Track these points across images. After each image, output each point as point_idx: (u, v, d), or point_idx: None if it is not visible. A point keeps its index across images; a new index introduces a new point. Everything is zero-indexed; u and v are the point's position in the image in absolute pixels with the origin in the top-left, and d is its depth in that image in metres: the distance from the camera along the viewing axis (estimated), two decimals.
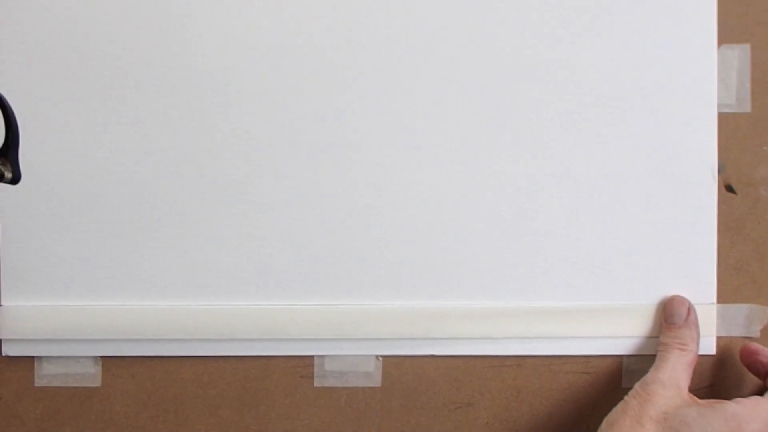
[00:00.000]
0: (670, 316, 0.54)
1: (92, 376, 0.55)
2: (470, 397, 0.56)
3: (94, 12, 0.54)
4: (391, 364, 0.56)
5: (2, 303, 0.55)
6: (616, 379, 0.56)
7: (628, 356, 0.56)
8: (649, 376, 0.51)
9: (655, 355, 0.55)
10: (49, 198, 0.55)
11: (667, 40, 0.55)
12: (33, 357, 0.55)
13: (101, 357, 0.55)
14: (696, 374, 0.56)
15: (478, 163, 0.55)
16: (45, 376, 0.55)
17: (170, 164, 0.55)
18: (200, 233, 0.55)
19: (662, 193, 0.56)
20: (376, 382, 0.56)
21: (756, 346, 0.55)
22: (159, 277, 0.55)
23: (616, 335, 0.56)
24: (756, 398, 0.50)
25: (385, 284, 0.55)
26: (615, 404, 0.55)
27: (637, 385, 0.51)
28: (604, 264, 0.56)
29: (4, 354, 0.55)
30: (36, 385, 0.55)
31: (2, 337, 0.55)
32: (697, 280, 0.56)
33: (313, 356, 0.56)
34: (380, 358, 0.56)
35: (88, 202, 0.55)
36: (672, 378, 0.51)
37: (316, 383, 0.56)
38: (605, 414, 0.55)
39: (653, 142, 0.55)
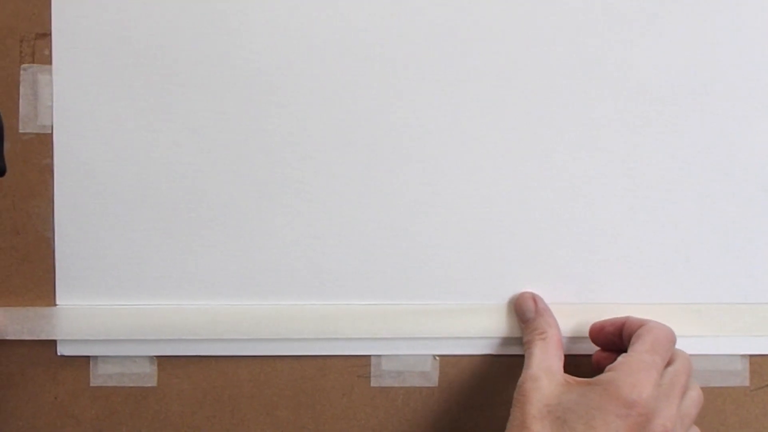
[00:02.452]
0: (522, 313, 0.54)
1: (148, 376, 0.55)
2: None
3: (149, 11, 0.54)
4: (448, 363, 0.55)
5: (57, 303, 0.55)
6: None
7: None
8: (520, 378, 0.50)
9: (714, 355, 0.55)
10: (104, 197, 0.54)
11: (729, 39, 0.55)
12: (88, 357, 0.55)
13: (157, 357, 0.55)
14: (756, 375, 0.55)
15: (534, 162, 0.55)
16: (100, 375, 0.55)
17: (225, 163, 0.54)
18: (256, 232, 0.55)
19: (724, 193, 0.55)
20: (433, 381, 0.56)
21: (598, 323, 0.54)
22: (215, 276, 0.55)
23: (675, 334, 0.55)
24: (622, 357, 0.49)
25: (441, 283, 0.55)
26: None
27: (514, 394, 0.50)
28: (662, 263, 0.55)
29: (59, 354, 0.55)
30: (92, 384, 0.55)
31: (58, 338, 0.55)
32: (759, 280, 0.55)
33: (369, 356, 0.55)
34: (437, 358, 0.55)
35: (144, 201, 0.55)
36: (541, 369, 0.50)
37: (373, 383, 0.55)
38: None
39: (715, 141, 0.55)
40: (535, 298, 0.54)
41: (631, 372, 0.47)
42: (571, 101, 0.55)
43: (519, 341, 0.55)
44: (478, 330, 0.55)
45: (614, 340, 0.53)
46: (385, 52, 0.54)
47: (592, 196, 0.55)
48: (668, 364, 0.50)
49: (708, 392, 0.56)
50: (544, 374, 0.49)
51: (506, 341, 0.55)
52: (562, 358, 0.52)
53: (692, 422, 0.49)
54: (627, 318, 0.53)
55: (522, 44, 0.54)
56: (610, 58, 0.55)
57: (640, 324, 0.51)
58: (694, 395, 0.50)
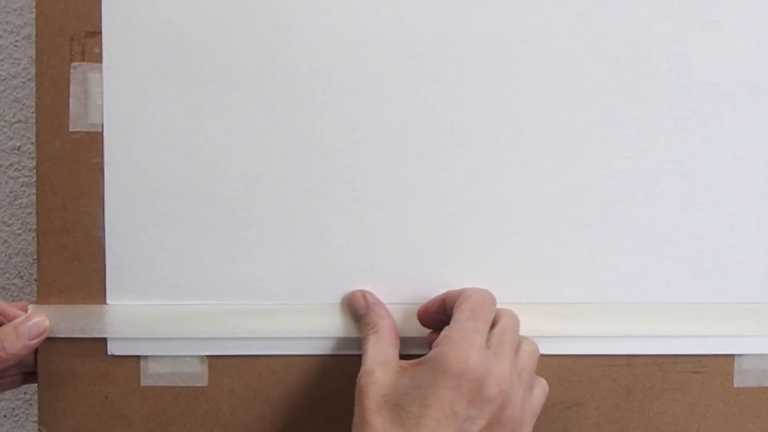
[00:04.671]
0: (355, 311, 0.54)
1: (199, 376, 0.55)
2: (580, 397, 0.55)
3: (200, 9, 0.53)
4: None
5: (108, 302, 0.55)
6: (728, 378, 0.55)
7: (740, 355, 0.55)
8: (358, 375, 0.49)
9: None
10: (154, 197, 0.54)
11: None
12: (139, 356, 0.55)
13: (208, 356, 0.55)
14: None
15: (589, 160, 0.54)
16: (151, 375, 0.55)
17: (277, 162, 0.54)
18: (307, 232, 0.54)
19: None
20: None
21: (422, 306, 0.54)
22: (266, 275, 0.55)
23: (729, 334, 0.55)
24: (445, 330, 0.49)
25: (493, 282, 0.55)
26: (727, 404, 0.55)
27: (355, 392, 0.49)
28: (717, 262, 0.55)
29: (110, 353, 0.55)
30: (142, 384, 0.55)
31: (108, 336, 0.54)
32: None
33: (421, 355, 0.55)
34: None
35: (194, 200, 0.54)
36: (376, 361, 0.49)
37: None
38: (717, 414, 0.55)
39: (766, 139, 0.55)
40: (364, 294, 0.54)
41: (454, 342, 0.47)
42: (625, 100, 0.54)
43: (571, 340, 0.55)
44: (530, 329, 0.54)
45: (441, 318, 0.53)
46: (438, 51, 0.54)
47: (647, 195, 0.55)
48: (493, 325, 0.50)
49: (762, 392, 0.55)
50: (379, 366, 0.49)
51: (556, 341, 0.55)
52: (398, 345, 0.51)
53: (533, 374, 0.50)
54: (446, 293, 0.53)
55: (577, 43, 0.54)
56: (666, 58, 0.54)
57: (459, 294, 0.51)
58: (528, 348, 0.50)
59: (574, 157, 0.54)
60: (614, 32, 0.54)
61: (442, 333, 0.49)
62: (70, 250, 0.54)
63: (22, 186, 0.62)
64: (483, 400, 0.46)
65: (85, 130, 0.54)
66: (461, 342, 0.47)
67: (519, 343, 0.50)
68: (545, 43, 0.54)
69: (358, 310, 0.54)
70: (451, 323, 0.49)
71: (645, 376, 0.55)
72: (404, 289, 0.55)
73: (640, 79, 0.54)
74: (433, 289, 0.54)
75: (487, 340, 0.48)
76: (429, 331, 0.54)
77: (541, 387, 0.50)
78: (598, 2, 0.54)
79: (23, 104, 0.61)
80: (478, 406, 0.46)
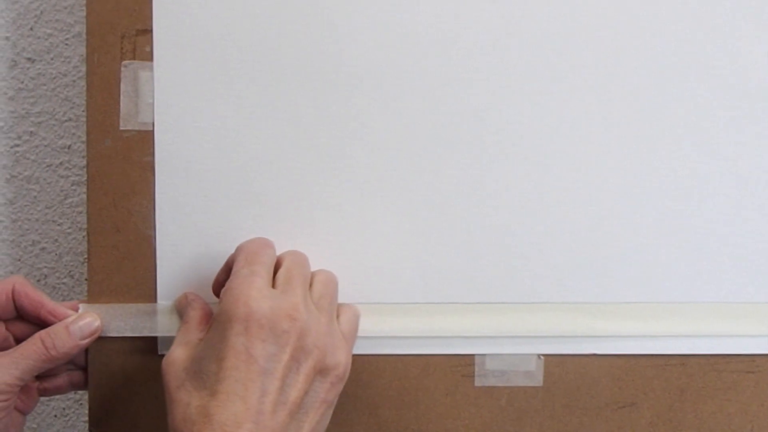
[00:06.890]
0: (179, 311, 0.54)
1: None
2: (633, 397, 0.55)
3: (250, 8, 0.53)
4: (553, 363, 0.55)
5: (158, 301, 0.54)
6: None
7: None
8: None
9: None
10: (205, 195, 0.54)
11: None
12: None
13: None
14: None
15: (640, 159, 0.54)
16: None
17: (326, 161, 0.54)
18: (359, 231, 0.54)
19: None
20: (538, 381, 0.55)
21: (215, 278, 0.53)
22: None
23: None
24: (225, 285, 0.49)
25: (546, 282, 0.54)
26: None
27: None
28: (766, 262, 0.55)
29: (160, 353, 0.55)
30: None
31: (159, 335, 0.54)
32: None
33: (473, 355, 0.55)
34: (542, 357, 0.55)
35: (245, 199, 0.54)
36: (177, 345, 0.49)
37: (477, 382, 0.55)
38: None
39: None
40: (186, 294, 0.54)
41: (233, 291, 0.48)
42: (678, 99, 0.54)
43: (624, 339, 0.54)
44: (583, 329, 0.54)
45: None
46: (492, 48, 0.53)
47: (701, 194, 0.54)
48: (278, 268, 0.50)
49: None
50: (178, 347, 0.49)
51: (609, 340, 0.54)
52: (205, 329, 0.50)
53: (334, 301, 0.51)
54: (228, 257, 0.52)
55: (629, 41, 0.53)
56: (717, 56, 0.54)
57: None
58: (322, 277, 0.51)
59: (625, 157, 0.54)
60: (667, 32, 0.54)
61: (223, 288, 0.49)
62: (121, 249, 0.54)
63: (72, 185, 0.62)
64: (277, 335, 0.46)
65: (136, 128, 0.54)
66: (240, 288, 0.48)
67: (312, 276, 0.51)
68: (598, 41, 0.54)
69: (181, 311, 0.54)
70: (230, 276, 0.49)
71: (698, 375, 0.55)
72: (453, 287, 0.54)
73: (693, 78, 0.54)
74: (485, 287, 0.54)
75: (275, 281, 0.49)
76: None
77: (351, 312, 0.52)
78: (651, 1, 0.53)
79: (74, 103, 0.61)
80: (273, 342, 0.46)
